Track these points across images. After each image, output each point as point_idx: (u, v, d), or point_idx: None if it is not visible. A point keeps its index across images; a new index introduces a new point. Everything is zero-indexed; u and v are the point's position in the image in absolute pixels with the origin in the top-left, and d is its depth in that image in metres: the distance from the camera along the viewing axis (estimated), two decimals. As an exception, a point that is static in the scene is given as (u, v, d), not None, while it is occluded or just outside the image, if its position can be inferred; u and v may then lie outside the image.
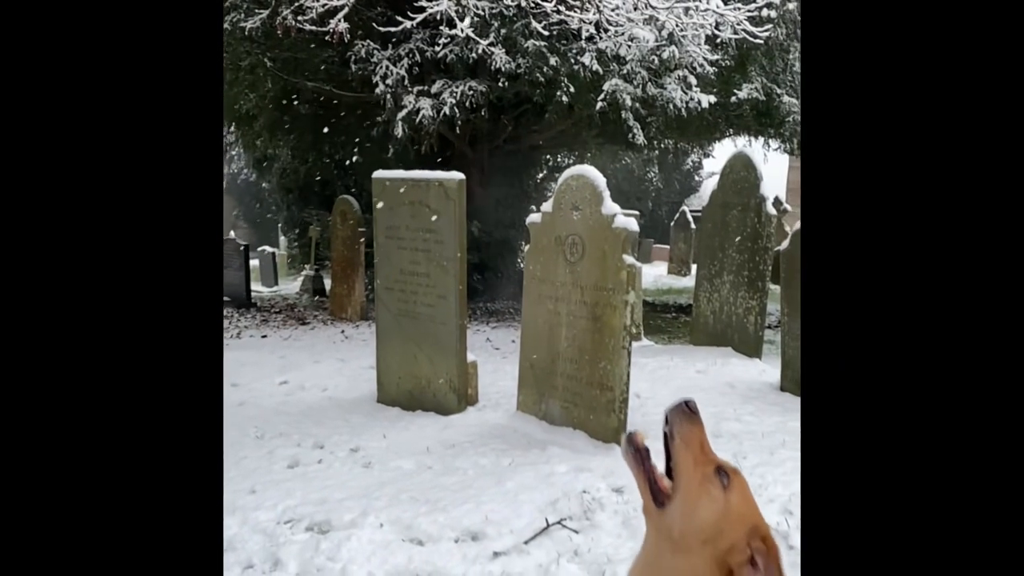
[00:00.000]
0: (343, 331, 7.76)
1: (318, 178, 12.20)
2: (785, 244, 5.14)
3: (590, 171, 4.00)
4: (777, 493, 3.11)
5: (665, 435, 1.24)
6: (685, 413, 1.24)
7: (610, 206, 3.87)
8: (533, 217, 4.27)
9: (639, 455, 1.25)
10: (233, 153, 19.85)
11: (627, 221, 3.83)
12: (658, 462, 1.25)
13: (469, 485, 3.25)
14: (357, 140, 9.73)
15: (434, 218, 4.35)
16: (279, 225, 18.44)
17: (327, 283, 9.27)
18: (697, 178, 25.98)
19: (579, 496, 3.05)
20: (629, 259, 3.79)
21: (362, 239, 8.16)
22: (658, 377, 5.34)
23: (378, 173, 4.67)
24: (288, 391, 5.13)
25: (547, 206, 4.18)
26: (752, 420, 4.27)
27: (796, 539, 2.68)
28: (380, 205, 4.63)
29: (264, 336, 7.66)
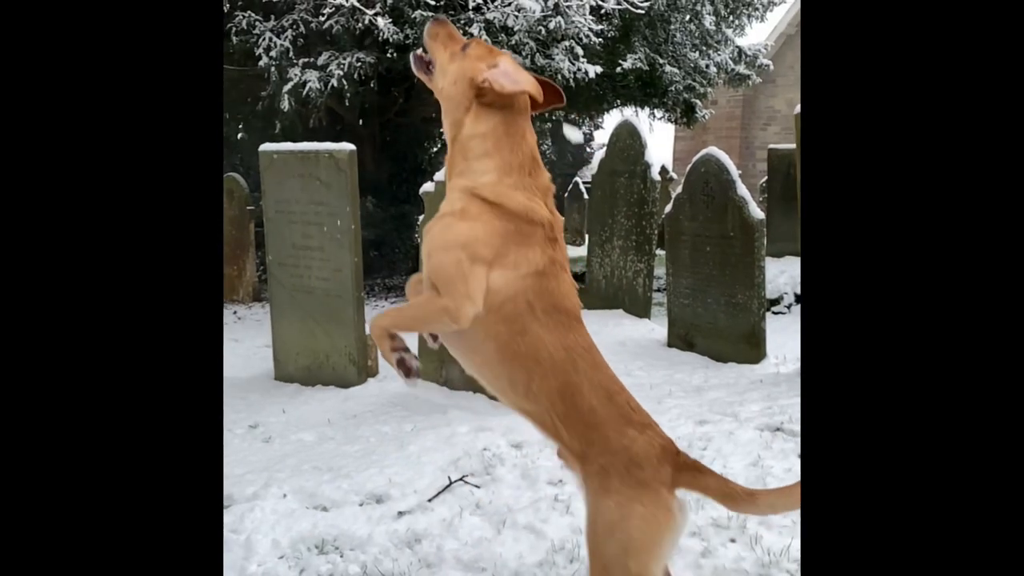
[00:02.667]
0: (236, 312, 7.55)
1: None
2: (668, 208, 5.39)
3: (480, 140, 4.06)
4: (664, 438, 3.33)
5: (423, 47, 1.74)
6: (432, 21, 1.75)
7: (501, 174, 3.96)
8: (427, 186, 4.30)
9: (420, 61, 1.75)
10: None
11: (517, 188, 3.93)
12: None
13: (372, 452, 3.29)
14: (241, 116, 9.36)
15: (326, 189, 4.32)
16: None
17: (217, 264, 8.97)
18: (589, 149, 26.44)
19: (480, 454, 3.15)
20: (521, 225, 3.90)
21: (251, 218, 7.92)
22: (554, 340, 5.50)
23: (265, 146, 4.57)
24: (180, 374, 4.98)
25: (440, 175, 4.23)
26: (642, 374, 4.51)
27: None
28: (268, 179, 4.54)
29: (151, 321, 7.34)
